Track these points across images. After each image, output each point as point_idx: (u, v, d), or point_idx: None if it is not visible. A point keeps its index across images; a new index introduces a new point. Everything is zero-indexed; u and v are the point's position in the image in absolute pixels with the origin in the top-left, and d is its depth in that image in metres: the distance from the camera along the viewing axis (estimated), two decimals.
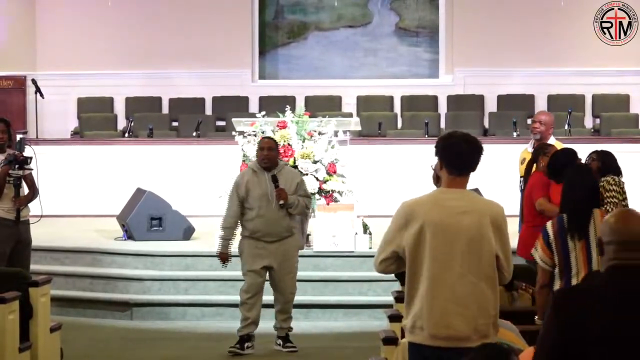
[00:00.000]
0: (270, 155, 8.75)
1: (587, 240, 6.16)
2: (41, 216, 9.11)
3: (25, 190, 9.00)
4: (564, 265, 6.18)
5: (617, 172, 8.00)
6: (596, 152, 8.10)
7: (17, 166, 8.76)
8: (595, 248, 6.01)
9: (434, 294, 4.97)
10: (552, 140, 9.40)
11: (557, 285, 6.15)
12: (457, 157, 5.03)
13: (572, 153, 7.92)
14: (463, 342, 4.94)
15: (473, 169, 5.08)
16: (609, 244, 3.61)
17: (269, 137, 9.35)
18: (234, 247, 8.94)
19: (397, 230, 5.03)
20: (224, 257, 8.84)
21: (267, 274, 8.85)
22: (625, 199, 7.97)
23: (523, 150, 9.72)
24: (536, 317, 6.20)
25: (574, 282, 6.13)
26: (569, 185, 6.42)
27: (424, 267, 4.98)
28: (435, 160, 5.54)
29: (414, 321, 5.02)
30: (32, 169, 8.94)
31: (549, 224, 6.28)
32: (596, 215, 6.17)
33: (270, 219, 8.69)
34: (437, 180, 6.88)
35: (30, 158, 8.83)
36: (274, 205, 8.66)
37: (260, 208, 8.68)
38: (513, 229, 9.35)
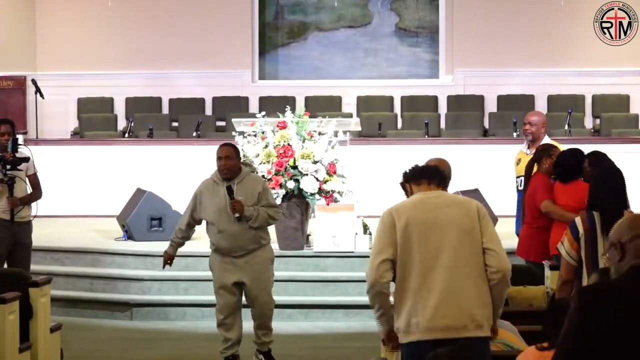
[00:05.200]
0: (228, 164, 7.97)
1: None
2: (34, 216, 9.05)
3: (27, 191, 8.97)
4: (591, 262, 6.14)
5: None
6: (585, 156, 8.03)
7: (8, 166, 8.73)
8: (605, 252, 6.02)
9: (427, 287, 5.00)
10: (546, 140, 9.35)
11: (585, 282, 6.12)
12: (422, 171, 5.32)
13: (579, 153, 7.89)
14: (460, 331, 4.94)
15: (443, 181, 5.28)
16: (632, 240, 3.60)
17: (227, 144, 8.27)
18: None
19: (385, 236, 5.10)
20: (167, 257, 8.34)
21: (241, 289, 8.22)
22: None
23: (518, 151, 9.68)
24: None
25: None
26: (600, 184, 6.39)
27: (414, 265, 5.02)
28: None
29: (408, 319, 5.03)
30: (22, 170, 8.83)
31: (578, 220, 6.24)
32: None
33: (231, 233, 8.02)
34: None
35: (27, 158, 8.80)
36: (232, 219, 7.99)
37: (220, 223, 8.01)
38: (510, 229, 9.40)
